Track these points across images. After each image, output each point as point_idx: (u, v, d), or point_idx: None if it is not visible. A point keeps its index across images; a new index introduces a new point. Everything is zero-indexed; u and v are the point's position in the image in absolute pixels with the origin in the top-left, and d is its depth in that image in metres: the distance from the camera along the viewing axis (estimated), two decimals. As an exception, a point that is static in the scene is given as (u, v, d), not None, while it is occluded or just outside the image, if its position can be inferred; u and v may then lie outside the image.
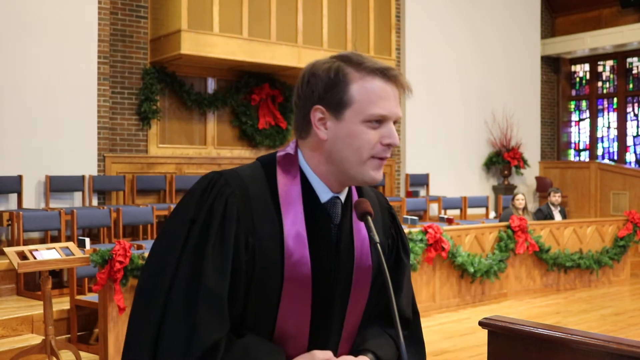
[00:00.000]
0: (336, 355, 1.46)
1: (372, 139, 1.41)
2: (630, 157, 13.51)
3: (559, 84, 14.18)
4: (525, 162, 12.29)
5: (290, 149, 1.50)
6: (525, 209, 9.01)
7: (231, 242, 1.35)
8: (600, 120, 13.99)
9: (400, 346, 1.28)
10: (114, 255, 4.76)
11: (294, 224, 1.41)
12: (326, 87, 1.41)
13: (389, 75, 1.43)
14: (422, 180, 11.17)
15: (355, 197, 1.54)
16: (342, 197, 1.50)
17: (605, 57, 13.76)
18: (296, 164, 1.47)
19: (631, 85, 13.54)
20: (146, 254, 4.91)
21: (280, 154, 1.49)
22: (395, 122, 1.45)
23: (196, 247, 1.35)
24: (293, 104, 1.49)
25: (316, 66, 1.45)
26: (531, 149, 12.91)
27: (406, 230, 6.99)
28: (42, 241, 6.94)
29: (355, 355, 1.48)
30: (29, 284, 6.26)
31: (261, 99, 9.66)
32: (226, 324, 1.32)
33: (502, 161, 12.09)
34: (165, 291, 1.33)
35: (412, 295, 1.66)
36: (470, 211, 10.87)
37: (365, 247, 1.51)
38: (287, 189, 1.44)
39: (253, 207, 1.40)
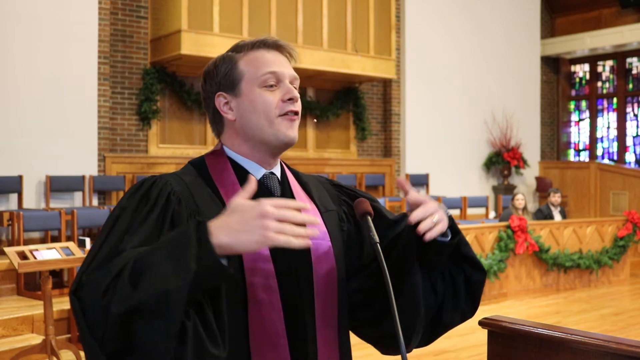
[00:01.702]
0: (315, 340, 1.43)
1: (272, 100, 1.46)
2: (630, 157, 13.51)
3: (559, 84, 14.18)
4: (525, 162, 12.30)
5: (215, 147, 1.56)
6: (525, 209, 9.02)
7: (156, 213, 1.34)
8: (600, 120, 14.00)
9: (400, 346, 1.28)
10: (114, 255, 4.76)
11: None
12: (219, 75, 1.50)
13: (269, 43, 1.51)
14: (422, 180, 11.17)
15: (288, 172, 1.58)
16: (277, 172, 1.53)
17: (604, 57, 13.77)
18: (223, 155, 1.52)
19: (631, 86, 13.55)
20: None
21: (210, 151, 1.55)
22: (292, 83, 1.49)
23: (122, 224, 1.33)
24: (206, 112, 1.57)
25: (208, 65, 1.54)
26: (531, 149, 12.91)
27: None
28: (43, 241, 6.94)
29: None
30: (30, 283, 6.26)
31: (261, 99, 9.66)
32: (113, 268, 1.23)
33: (502, 161, 12.09)
34: (86, 264, 1.29)
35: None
36: (470, 211, 10.88)
37: (316, 216, 1.51)
38: (221, 175, 1.48)
39: (192, 192, 1.42)
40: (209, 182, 1.47)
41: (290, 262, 1.43)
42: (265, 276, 1.39)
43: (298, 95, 1.49)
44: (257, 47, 1.51)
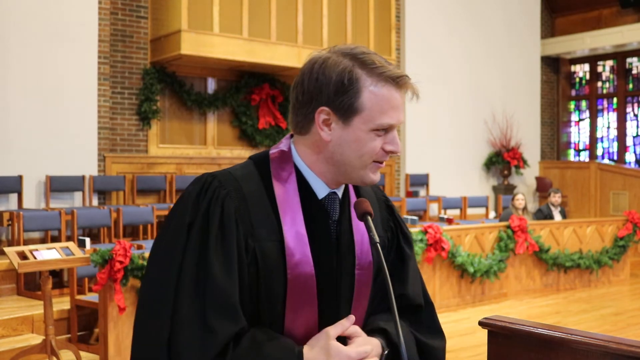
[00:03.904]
0: None
1: (377, 147, 1.39)
2: (630, 157, 13.51)
3: (559, 84, 14.18)
4: (525, 162, 12.30)
5: (284, 145, 1.47)
6: (525, 209, 9.02)
7: (233, 244, 1.32)
8: (600, 120, 13.99)
9: (400, 346, 1.28)
10: (114, 255, 4.76)
11: (293, 222, 1.38)
12: (337, 91, 1.36)
13: (402, 84, 1.39)
14: (422, 180, 11.17)
15: (352, 192, 1.52)
16: (339, 192, 1.47)
17: (605, 57, 13.77)
18: (290, 160, 1.43)
19: (631, 86, 13.55)
20: (146, 254, 4.92)
21: (273, 151, 1.46)
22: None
23: (197, 252, 1.32)
24: (293, 98, 1.43)
25: (327, 64, 1.38)
26: (531, 149, 12.91)
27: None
28: (43, 241, 6.94)
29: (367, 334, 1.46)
30: (29, 283, 6.26)
31: (261, 99, 9.67)
32: (240, 320, 1.29)
33: (502, 161, 12.09)
34: (170, 301, 1.30)
35: (421, 284, 1.63)
36: (470, 211, 10.87)
37: (366, 243, 1.48)
38: (283, 186, 1.40)
39: (250, 207, 1.37)
40: (269, 190, 1.40)
41: (335, 295, 1.42)
42: (309, 303, 1.39)
43: (400, 148, 1.44)
44: (388, 82, 1.38)
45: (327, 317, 1.41)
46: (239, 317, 1.29)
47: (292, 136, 1.49)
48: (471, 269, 7.29)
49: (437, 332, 1.58)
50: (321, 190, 1.44)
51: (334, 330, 1.36)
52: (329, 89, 1.37)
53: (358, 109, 1.37)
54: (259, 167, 1.43)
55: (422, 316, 1.58)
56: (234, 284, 1.30)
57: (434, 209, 10.70)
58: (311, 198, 1.43)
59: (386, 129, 1.40)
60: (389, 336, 1.46)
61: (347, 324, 1.38)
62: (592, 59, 13.94)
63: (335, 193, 1.46)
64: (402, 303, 1.55)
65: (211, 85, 9.47)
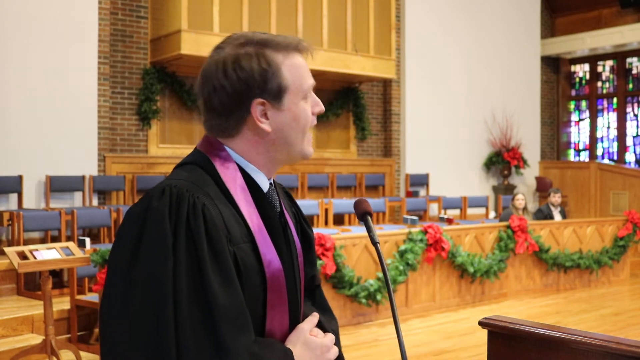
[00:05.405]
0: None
1: (310, 113, 1.42)
2: (630, 157, 13.51)
3: (559, 84, 14.19)
4: (525, 162, 12.30)
5: (216, 147, 1.41)
6: (525, 209, 9.02)
7: (227, 254, 1.26)
8: (600, 120, 14.00)
9: (400, 346, 1.29)
10: (114, 255, 4.75)
11: (254, 220, 1.37)
12: (263, 79, 1.35)
13: (302, 48, 1.42)
14: (422, 180, 11.18)
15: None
16: (272, 182, 1.48)
17: (604, 57, 13.77)
18: (231, 159, 1.40)
19: (631, 85, 13.55)
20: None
21: (210, 151, 1.40)
22: None
23: (191, 276, 1.22)
24: (217, 104, 1.37)
25: (240, 59, 1.36)
26: (531, 149, 12.91)
27: (406, 230, 6.99)
28: (43, 241, 6.94)
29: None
30: (29, 283, 6.26)
31: (261, 99, 9.66)
32: (252, 331, 1.26)
33: (502, 161, 12.09)
34: (172, 337, 1.19)
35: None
36: (470, 211, 10.88)
37: (293, 229, 1.50)
38: (235, 186, 1.38)
39: (221, 211, 1.31)
40: (224, 192, 1.36)
41: (294, 286, 1.44)
42: (281, 300, 1.40)
43: (323, 106, 1.47)
44: (294, 50, 1.41)
45: (293, 310, 1.42)
46: (251, 329, 1.26)
47: (206, 141, 1.43)
48: (471, 269, 7.29)
49: (331, 311, 1.63)
50: (264, 183, 1.43)
51: (308, 325, 1.41)
52: (256, 80, 1.35)
53: (286, 86, 1.38)
54: (207, 170, 1.37)
55: (318, 296, 1.63)
56: (238, 296, 1.25)
57: (434, 209, 10.71)
58: (259, 193, 1.41)
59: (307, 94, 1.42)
60: (321, 324, 1.51)
61: (318, 315, 1.43)
62: (592, 59, 13.94)
63: (272, 184, 1.46)
64: (312, 284, 1.61)
65: (211, 85, 9.46)
